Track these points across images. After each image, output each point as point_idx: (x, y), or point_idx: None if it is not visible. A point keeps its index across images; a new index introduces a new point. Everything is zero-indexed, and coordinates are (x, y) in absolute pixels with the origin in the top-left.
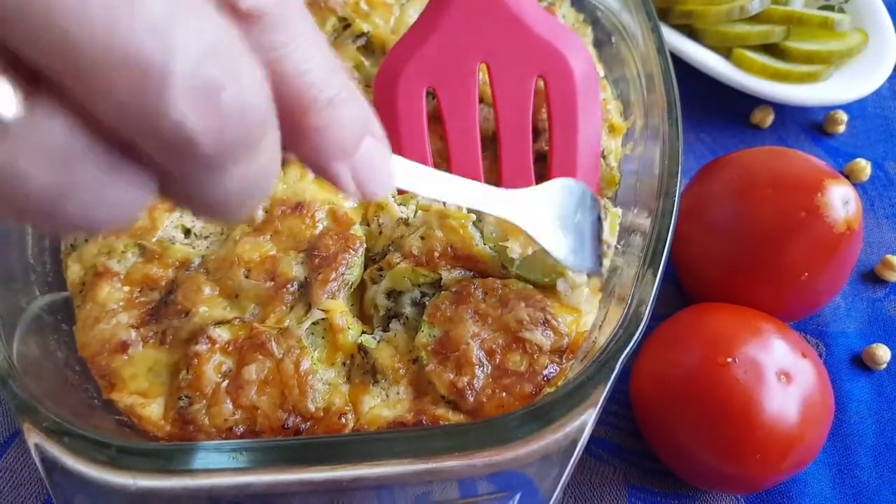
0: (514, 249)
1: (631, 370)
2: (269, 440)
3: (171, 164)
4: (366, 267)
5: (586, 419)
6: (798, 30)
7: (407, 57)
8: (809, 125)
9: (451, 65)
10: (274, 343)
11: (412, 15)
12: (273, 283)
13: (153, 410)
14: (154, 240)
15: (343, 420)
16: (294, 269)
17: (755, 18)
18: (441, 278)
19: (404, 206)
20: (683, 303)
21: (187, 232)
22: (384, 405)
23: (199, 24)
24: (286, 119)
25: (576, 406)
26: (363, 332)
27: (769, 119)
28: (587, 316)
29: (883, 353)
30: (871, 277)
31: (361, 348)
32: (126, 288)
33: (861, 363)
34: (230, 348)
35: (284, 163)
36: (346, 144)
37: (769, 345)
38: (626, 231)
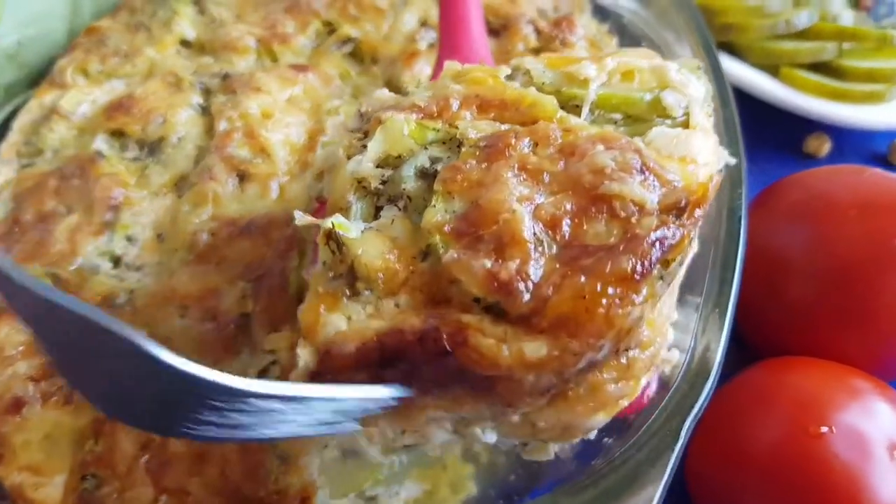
0: (586, 70)
1: (686, 446)
2: None
3: None
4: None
5: None
6: (852, 47)
7: None
8: (871, 156)
9: None
10: None
11: (408, 21)
12: (214, 323)
13: (49, 493)
14: (72, 268)
15: None
16: (240, 302)
17: (802, 35)
18: (458, 134)
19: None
20: (746, 360)
21: (117, 261)
22: (370, 318)
23: None
24: None
25: (624, 490)
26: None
27: (825, 147)
28: (705, 167)
29: None
30: None
31: (332, 237)
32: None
33: None
34: None
35: (244, 179)
36: None
37: (872, 410)
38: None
